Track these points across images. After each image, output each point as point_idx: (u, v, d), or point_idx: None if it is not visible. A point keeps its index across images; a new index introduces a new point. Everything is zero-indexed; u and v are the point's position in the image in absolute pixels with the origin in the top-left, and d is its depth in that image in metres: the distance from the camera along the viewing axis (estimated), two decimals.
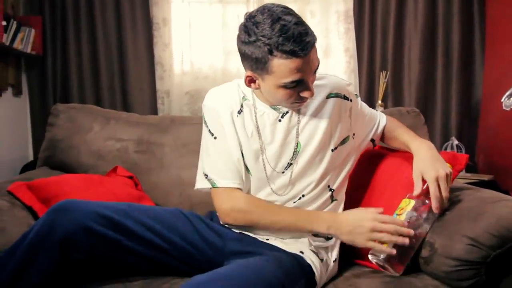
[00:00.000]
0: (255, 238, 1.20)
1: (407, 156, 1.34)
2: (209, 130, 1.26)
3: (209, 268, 1.00)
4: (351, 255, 1.29)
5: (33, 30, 3.02)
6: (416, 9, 3.13)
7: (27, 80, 3.27)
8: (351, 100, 1.31)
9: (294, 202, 1.23)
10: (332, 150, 1.25)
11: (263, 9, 1.08)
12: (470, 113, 3.14)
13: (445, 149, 2.90)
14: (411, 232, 1.10)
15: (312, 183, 1.23)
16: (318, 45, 1.11)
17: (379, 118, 1.42)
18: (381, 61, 3.18)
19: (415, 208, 1.15)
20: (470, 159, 2.95)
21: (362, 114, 1.36)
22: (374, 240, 1.10)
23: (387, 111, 1.80)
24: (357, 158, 1.37)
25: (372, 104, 3.01)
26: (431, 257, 1.11)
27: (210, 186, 1.22)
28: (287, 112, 1.23)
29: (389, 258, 1.10)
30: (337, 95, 1.28)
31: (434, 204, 1.14)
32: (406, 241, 1.08)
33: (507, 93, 2.16)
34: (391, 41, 3.15)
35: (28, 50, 3.01)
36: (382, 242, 1.09)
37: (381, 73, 3.10)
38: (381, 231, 1.09)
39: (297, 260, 1.14)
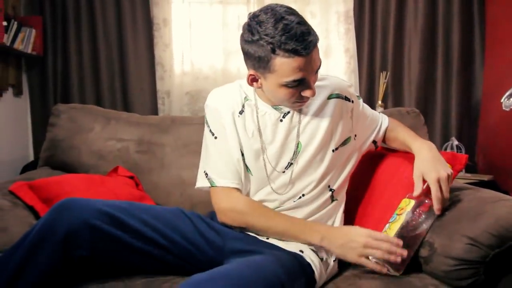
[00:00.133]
0: (255, 237, 1.21)
1: (407, 156, 1.34)
2: (210, 130, 1.27)
3: (209, 268, 1.00)
4: None
5: (33, 31, 3.02)
6: (416, 9, 3.13)
7: (28, 80, 3.27)
8: (352, 101, 1.31)
9: (294, 201, 1.23)
10: (333, 151, 1.26)
11: (266, 9, 1.10)
12: (470, 113, 3.14)
13: (445, 149, 2.90)
14: (404, 253, 1.10)
15: (312, 183, 1.24)
16: (318, 45, 1.12)
17: (381, 120, 1.42)
18: (381, 61, 3.18)
19: (415, 208, 1.15)
20: (470, 159, 2.95)
21: (363, 116, 1.36)
22: (366, 257, 1.11)
23: (387, 111, 1.80)
24: (358, 159, 1.38)
25: (372, 104, 3.02)
26: (431, 256, 1.11)
27: (209, 185, 1.24)
28: (288, 112, 1.24)
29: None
30: (338, 96, 1.28)
31: (436, 206, 1.14)
32: (399, 259, 1.09)
33: (507, 93, 2.17)
34: (391, 42, 3.15)
35: (29, 51, 3.01)
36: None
37: (381, 73, 3.11)
38: (374, 248, 1.10)
39: (297, 259, 1.14)
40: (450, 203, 1.20)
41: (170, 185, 1.73)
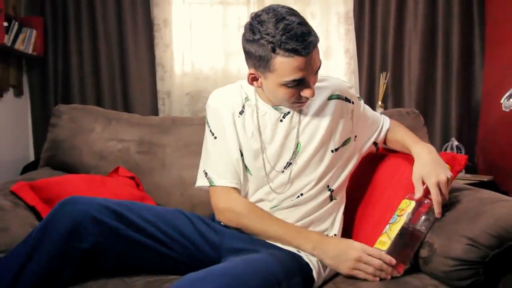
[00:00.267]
0: (253, 236, 1.22)
1: (407, 157, 1.34)
2: (211, 130, 1.29)
3: (207, 267, 1.01)
4: None
5: (34, 31, 3.03)
6: (416, 10, 3.13)
7: (28, 80, 3.28)
8: (353, 103, 1.32)
9: (292, 200, 1.24)
10: (332, 151, 1.26)
11: (268, 9, 1.11)
12: (470, 114, 3.15)
13: (445, 149, 2.90)
14: (394, 273, 1.11)
15: (311, 182, 1.24)
16: (318, 46, 1.12)
17: (383, 122, 1.43)
18: (381, 62, 3.19)
19: (415, 209, 1.15)
20: (470, 160, 2.96)
21: (364, 117, 1.37)
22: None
23: (387, 112, 1.81)
24: (358, 160, 1.38)
25: (372, 105, 3.02)
26: (430, 257, 1.12)
27: (209, 185, 1.25)
28: (288, 113, 1.25)
29: None
30: (338, 97, 1.29)
31: (437, 210, 1.15)
32: (388, 277, 1.10)
33: (507, 94, 2.17)
34: (391, 42, 3.16)
35: (29, 51, 3.02)
36: None
37: (381, 74, 3.11)
38: (365, 263, 1.10)
39: (295, 258, 1.15)
40: (449, 203, 1.20)
41: (171, 185, 1.74)
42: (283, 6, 1.12)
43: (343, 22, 3.30)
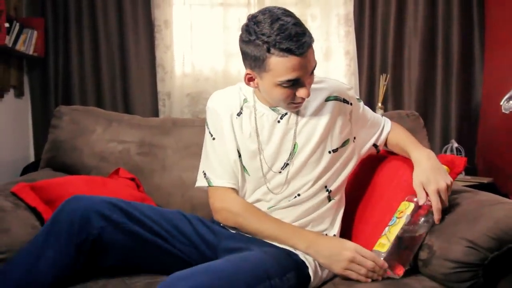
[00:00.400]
0: (249, 236, 1.23)
1: (406, 160, 1.34)
2: (210, 131, 1.31)
3: None
4: None
5: (35, 32, 3.04)
6: (416, 12, 3.14)
7: (29, 81, 3.28)
8: (351, 104, 1.32)
9: (289, 200, 1.25)
10: (330, 152, 1.27)
11: (264, 10, 1.13)
12: (469, 116, 3.15)
13: (445, 151, 2.91)
14: (385, 275, 1.12)
15: (308, 183, 1.25)
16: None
17: (384, 124, 1.43)
18: (381, 63, 3.19)
19: (414, 211, 1.16)
20: (470, 162, 2.94)
21: (364, 119, 1.37)
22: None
23: (387, 114, 1.81)
24: (358, 162, 1.38)
25: (372, 107, 3.01)
26: (430, 259, 1.12)
27: (207, 185, 1.27)
28: (286, 114, 1.26)
29: (389, 260, 1.11)
30: (336, 98, 1.30)
31: (436, 216, 1.15)
32: (380, 278, 1.11)
33: (506, 96, 2.17)
34: (391, 44, 3.16)
35: (30, 52, 3.02)
36: None
37: (381, 75, 3.12)
38: (359, 264, 1.11)
39: (290, 256, 1.16)
40: (449, 206, 1.20)
41: (171, 186, 1.74)
42: (279, 8, 1.13)
43: (343, 24, 3.29)
